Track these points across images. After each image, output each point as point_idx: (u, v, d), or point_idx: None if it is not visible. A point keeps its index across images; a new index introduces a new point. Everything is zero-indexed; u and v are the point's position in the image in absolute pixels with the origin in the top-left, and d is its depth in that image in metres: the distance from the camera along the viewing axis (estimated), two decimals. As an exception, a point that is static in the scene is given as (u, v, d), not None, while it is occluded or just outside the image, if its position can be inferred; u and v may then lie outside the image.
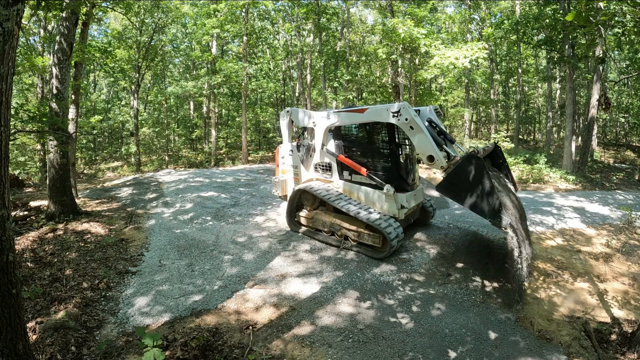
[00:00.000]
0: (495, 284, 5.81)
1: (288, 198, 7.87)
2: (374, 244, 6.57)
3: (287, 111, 7.96)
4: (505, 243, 6.37)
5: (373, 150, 7.08)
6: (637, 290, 5.97)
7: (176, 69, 32.43)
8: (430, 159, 5.96)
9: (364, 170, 6.88)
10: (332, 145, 7.44)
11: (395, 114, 6.11)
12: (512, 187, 6.50)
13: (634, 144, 29.90)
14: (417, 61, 19.04)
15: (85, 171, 21.94)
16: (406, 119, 6.00)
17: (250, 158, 24.92)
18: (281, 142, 8.36)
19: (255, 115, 30.20)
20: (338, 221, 7.05)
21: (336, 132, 7.37)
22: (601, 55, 14.59)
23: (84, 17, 9.70)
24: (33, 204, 9.52)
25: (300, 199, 7.76)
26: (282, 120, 8.05)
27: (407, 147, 7.01)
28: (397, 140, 6.89)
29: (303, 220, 7.67)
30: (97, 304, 5.09)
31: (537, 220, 9.03)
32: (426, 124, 6.43)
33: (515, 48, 24.63)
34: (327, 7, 23.40)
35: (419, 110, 6.78)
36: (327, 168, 7.48)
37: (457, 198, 5.66)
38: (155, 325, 4.69)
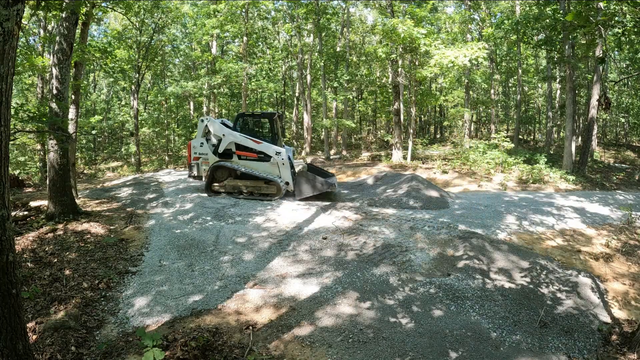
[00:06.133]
0: (497, 284, 5.81)
1: (206, 173, 10.86)
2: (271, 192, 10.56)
3: (206, 119, 11.42)
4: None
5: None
6: (637, 290, 5.97)
7: (176, 69, 32.40)
8: None
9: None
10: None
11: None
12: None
13: (634, 144, 29.91)
14: (417, 62, 19.05)
15: (85, 171, 21.93)
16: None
17: (250, 158, 24.85)
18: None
19: (255, 115, 30.09)
20: (245, 183, 10.74)
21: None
22: (601, 55, 14.58)
23: (83, 17, 9.69)
24: (33, 204, 9.52)
25: (214, 174, 10.88)
26: (200, 123, 11.30)
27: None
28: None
29: (218, 189, 10.82)
30: (97, 304, 5.09)
31: (537, 221, 9.02)
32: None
33: (515, 48, 24.60)
34: (327, 7, 23.38)
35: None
36: (229, 155, 10.87)
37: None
38: (155, 326, 4.69)
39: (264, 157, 10.55)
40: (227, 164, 10.77)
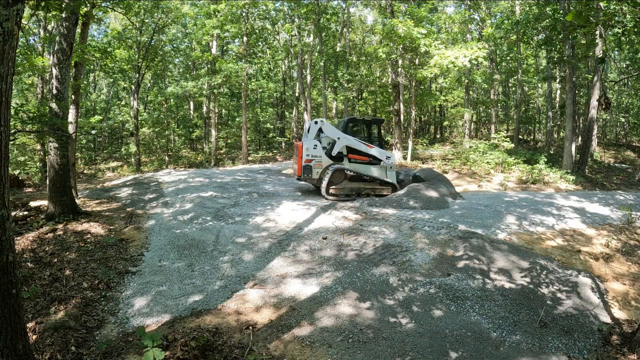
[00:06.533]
0: (497, 284, 5.81)
1: (326, 176, 10.79)
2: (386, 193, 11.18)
3: (320, 121, 11.13)
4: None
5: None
6: (637, 290, 5.97)
7: (176, 69, 32.40)
8: None
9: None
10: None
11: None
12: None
13: (634, 144, 29.90)
14: (417, 61, 19.06)
15: (85, 171, 21.94)
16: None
17: (250, 158, 24.93)
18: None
19: (255, 115, 30.20)
20: (362, 185, 11.18)
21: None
22: (601, 55, 14.58)
23: (83, 17, 9.70)
24: (33, 204, 9.52)
25: (332, 176, 10.80)
26: (314, 125, 11.08)
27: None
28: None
29: (333, 191, 10.81)
30: (97, 304, 5.09)
31: (537, 221, 9.02)
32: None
33: (515, 48, 24.62)
34: (327, 7, 23.39)
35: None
36: (341, 158, 11.15)
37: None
38: (155, 325, 4.69)
39: (374, 161, 11.15)
40: (344, 166, 11.05)
